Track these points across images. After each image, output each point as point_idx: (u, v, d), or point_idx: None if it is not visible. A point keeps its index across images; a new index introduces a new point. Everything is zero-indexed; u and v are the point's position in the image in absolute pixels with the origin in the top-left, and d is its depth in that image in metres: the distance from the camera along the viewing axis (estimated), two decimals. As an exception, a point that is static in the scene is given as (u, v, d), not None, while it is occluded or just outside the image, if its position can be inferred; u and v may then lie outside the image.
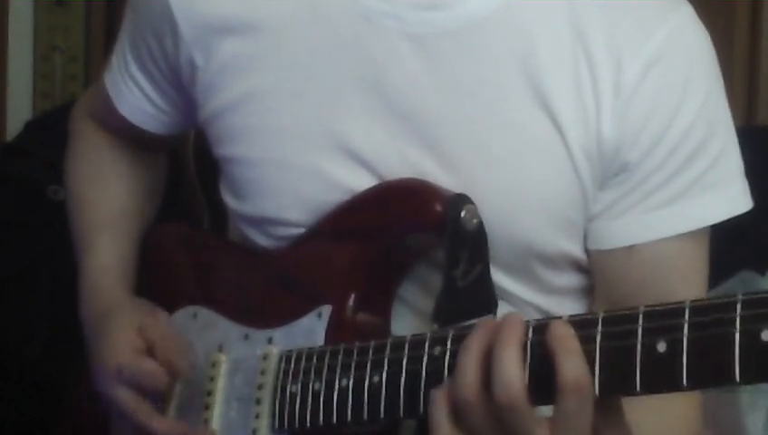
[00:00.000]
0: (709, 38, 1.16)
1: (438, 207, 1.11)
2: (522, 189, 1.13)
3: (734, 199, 1.16)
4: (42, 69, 2.79)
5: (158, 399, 1.23)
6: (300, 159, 1.17)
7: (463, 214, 1.10)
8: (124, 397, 1.21)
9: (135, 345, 1.22)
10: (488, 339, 0.96)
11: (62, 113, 2.43)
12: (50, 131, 2.42)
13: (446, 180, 1.13)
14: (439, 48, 1.13)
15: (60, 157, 1.49)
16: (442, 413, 0.97)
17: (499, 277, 1.14)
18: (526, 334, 0.96)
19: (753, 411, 2.01)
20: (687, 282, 1.16)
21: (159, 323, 1.24)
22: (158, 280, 1.37)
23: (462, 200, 1.10)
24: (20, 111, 2.72)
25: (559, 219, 1.15)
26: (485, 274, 1.11)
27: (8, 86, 2.74)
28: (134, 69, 1.30)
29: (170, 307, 1.30)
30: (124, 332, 1.24)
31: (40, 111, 2.72)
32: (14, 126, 2.63)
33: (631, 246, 1.15)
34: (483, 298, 1.11)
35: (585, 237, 1.17)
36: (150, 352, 1.22)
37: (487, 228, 1.11)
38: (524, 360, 0.94)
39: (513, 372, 0.93)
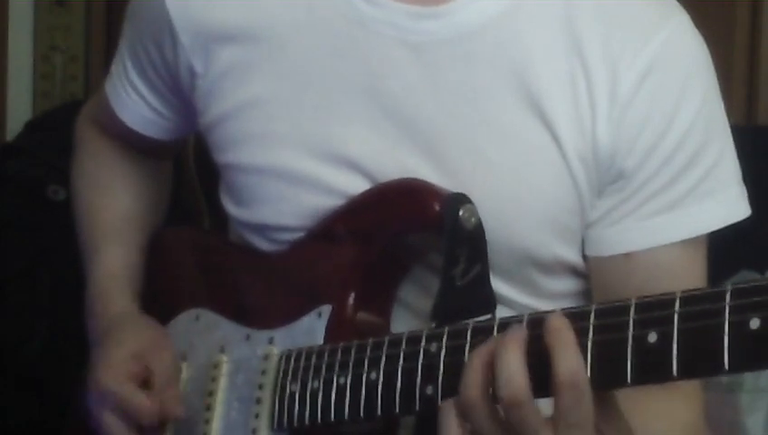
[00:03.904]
0: (705, 45, 1.16)
1: (437, 207, 1.11)
2: (519, 196, 1.13)
3: (731, 206, 1.16)
4: (42, 69, 2.79)
5: None
6: (298, 167, 1.17)
7: (461, 213, 1.10)
8: (109, 422, 1.20)
9: (131, 371, 1.21)
10: (495, 346, 0.96)
11: (62, 113, 2.45)
12: (50, 131, 2.42)
13: (444, 187, 1.12)
14: (436, 56, 1.13)
15: (60, 157, 1.49)
16: (451, 416, 0.97)
17: (495, 283, 1.13)
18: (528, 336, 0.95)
19: (753, 412, 2.02)
20: (686, 287, 1.15)
21: (165, 362, 1.23)
22: (163, 282, 1.37)
23: (460, 199, 1.10)
24: (20, 111, 2.73)
25: (556, 226, 1.15)
26: (484, 273, 1.11)
27: (8, 86, 2.74)
28: (134, 76, 1.31)
29: (174, 309, 1.30)
30: (123, 350, 1.23)
31: (40, 111, 2.72)
32: (14, 126, 2.63)
33: (629, 253, 1.15)
34: (481, 298, 1.10)
35: (583, 244, 1.17)
36: (146, 383, 1.21)
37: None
38: (526, 357, 0.94)
39: (515, 368, 0.93)
